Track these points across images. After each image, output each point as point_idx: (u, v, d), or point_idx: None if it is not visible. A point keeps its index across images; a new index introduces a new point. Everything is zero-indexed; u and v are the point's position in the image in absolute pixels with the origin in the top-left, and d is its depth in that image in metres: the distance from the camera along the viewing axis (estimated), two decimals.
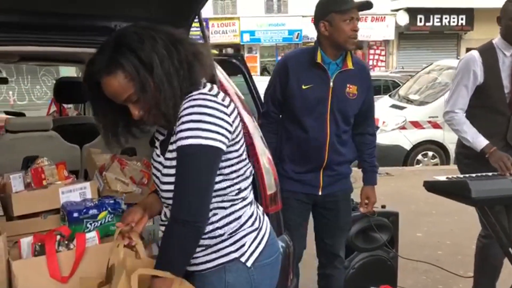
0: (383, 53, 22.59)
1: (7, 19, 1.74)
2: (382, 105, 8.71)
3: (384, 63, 22.49)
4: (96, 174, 2.08)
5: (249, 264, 1.40)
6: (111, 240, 1.55)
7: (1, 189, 1.82)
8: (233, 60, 2.97)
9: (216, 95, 1.35)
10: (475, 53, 2.64)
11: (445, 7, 20.52)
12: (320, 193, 2.42)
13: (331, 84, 2.32)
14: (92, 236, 1.58)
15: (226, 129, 1.30)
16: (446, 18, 21.54)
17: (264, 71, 22.42)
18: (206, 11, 21.26)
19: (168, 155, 1.36)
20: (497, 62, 2.59)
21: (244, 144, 1.46)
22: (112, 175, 2.07)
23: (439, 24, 21.61)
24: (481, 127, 2.62)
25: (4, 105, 15.28)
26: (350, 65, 2.35)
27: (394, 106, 8.24)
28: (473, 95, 2.65)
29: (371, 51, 22.69)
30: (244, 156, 1.43)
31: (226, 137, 1.31)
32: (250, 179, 1.47)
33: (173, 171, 1.34)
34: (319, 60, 2.31)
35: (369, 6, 2.28)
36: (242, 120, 1.85)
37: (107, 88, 1.30)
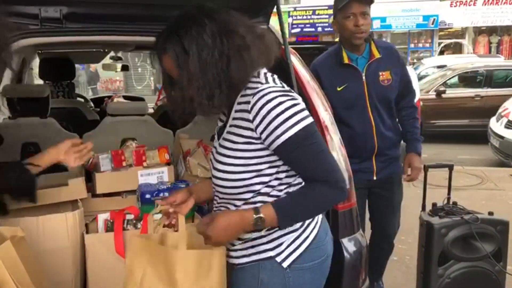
0: None
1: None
2: None
3: None
4: (180, 158, 2.18)
5: (285, 265, 1.35)
6: None
7: (92, 167, 2.01)
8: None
9: (282, 84, 1.37)
10: None
11: None
12: (375, 178, 2.57)
13: (364, 78, 2.43)
14: (159, 217, 1.65)
15: (304, 107, 1.34)
16: None
17: None
18: None
19: (222, 142, 1.37)
20: None
21: None
22: (195, 160, 2.15)
23: None
24: None
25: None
26: (376, 54, 2.44)
27: None
28: None
29: None
30: None
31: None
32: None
33: (224, 159, 1.36)
34: (346, 60, 2.43)
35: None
36: (315, 111, 1.78)
37: (162, 65, 1.37)
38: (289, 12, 21.39)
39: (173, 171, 1.98)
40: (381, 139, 2.51)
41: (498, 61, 12.10)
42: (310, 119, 1.31)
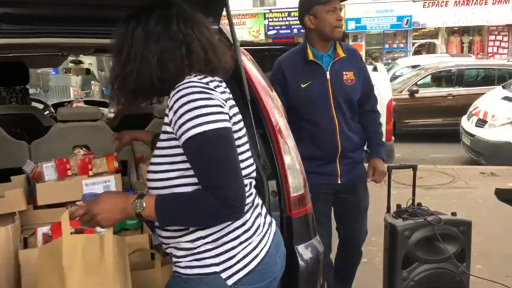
0: (505, 39, 20.34)
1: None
2: (492, 97, 7.86)
3: (507, 50, 20.25)
4: (132, 165, 2.09)
5: (229, 282, 1.27)
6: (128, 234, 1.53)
7: (36, 177, 1.90)
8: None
9: (207, 83, 1.28)
10: None
11: None
12: (339, 181, 2.52)
13: (328, 76, 2.42)
14: (101, 230, 1.56)
15: (223, 111, 1.24)
16: None
17: (370, 58, 21.56)
18: None
19: (161, 136, 1.31)
20: None
21: (245, 141, 1.35)
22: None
23: None
24: None
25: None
26: (341, 53, 2.44)
27: (506, 98, 7.36)
28: None
29: (491, 37, 20.57)
30: (243, 152, 1.33)
31: (227, 115, 1.26)
32: (249, 181, 1.34)
33: (153, 159, 1.31)
34: (311, 57, 2.42)
35: None
36: (268, 115, 1.72)
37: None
38: (264, 14, 21.43)
39: (121, 179, 1.89)
40: (344, 139, 2.47)
41: (469, 61, 12.29)
42: (221, 124, 1.21)
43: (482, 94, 8.39)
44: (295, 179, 1.71)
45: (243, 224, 1.31)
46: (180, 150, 1.24)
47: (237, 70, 1.72)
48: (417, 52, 19.80)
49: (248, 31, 21.67)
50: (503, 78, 9.58)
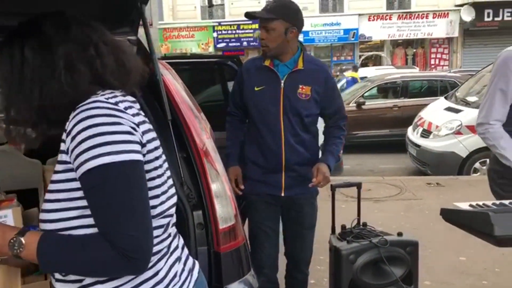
0: (446, 51, 21.26)
1: None
2: (435, 108, 8.04)
3: (448, 62, 21.15)
4: (43, 195, 1.82)
5: None
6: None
7: None
8: (229, 63, 2.66)
9: (116, 103, 1.05)
10: None
11: None
12: (282, 194, 2.44)
13: (282, 85, 2.38)
14: None
15: (132, 139, 1.02)
16: None
17: None
18: None
19: (57, 166, 1.07)
20: None
21: (163, 172, 1.14)
22: None
23: (510, 18, 19.96)
24: None
25: None
26: (300, 65, 2.38)
27: (449, 109, 7.52)
28: None
29: (433, 49, 21.44)
30: (158, 186, 1.11)
31: (138, 143, 1.04)
32: (166, 220, 1.12)
33: (47, 195, 1.07)
34: (265, 63, 2.41)
35: (254, 16, 2.33)
36: (190, 135, 1.52)
37: None
38: (213, 26, 21.31)
39: (24, 213, 1.63)
40: (290, 152, 2.40)
41: (413, 72, 12.64)
42: (129, 156, 0.99)
43: (427, 104, 8.58)
44: (225, 208, 1.52)
45: (155, 275, 1.09)
46: (79, 184, 1.01)
47: (157, 86, 1.51)
48: (364, 64, 20.29)
49: (197, 43, 21.47)
50: (445, 89, 9.88)
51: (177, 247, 1.18)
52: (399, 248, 2.28)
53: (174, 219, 1.17)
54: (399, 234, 2.36)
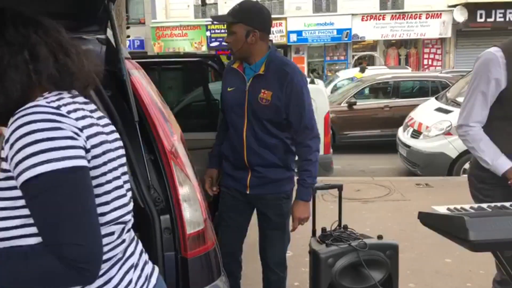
0: (439, 51, 21.31)
1: None
2: (426, 109, 8.03)
3: (440, 62, 21.20)
4: None
5: None
6: None
7: None
8: (209, 62, 2.62)
9: (58, 107, 1.00)
10: (496, 51, 2.08)
11: (509, 0, 19.01)
12: (248, 192, 2.46)
13: (247, 88, 2.38)
14: None
15: (75, 145, 0.97)
16: (510, 13, 19.95)
17: (313, 72, 21.88)
18: None
19: None
20: None
21: (117, 176, 1.09)
22: None
23: (502, 19, 20.03)
24: (504, 144, 2.07)
25: None
26: (261, 70, 2.36)
27: (439, 109, 7.52)
28: (495, 103, 2.09)
29: (426, 50, 21.49)
30: (109, 192, 1.06)
31: (82, 148, 0.99)
32: (119, 227, 1.08)
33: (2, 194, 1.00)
34: (234, 65, 2.45)
35: (220, 19, 2.49)
36: (159, 138, 1.48)
37: None
38: (206, 25, 21.24)
39: None
40: (251, 154, 2.41)
41: (404, 72, 12.65)
42: (71, 162, 0.95)
43: (418, 105, 8.58)
44: (194, 212, 1.48)
45: (107, 283, 1.04)
46: (20, 193, 0.97)
47: (124, 86, 1.47)
48: (358, 64, 20.33)
49: (190, 42, 21.40)
50: (436, 90, 9.89)
51: (133, 253, 1.14)
52: (378, 251, 2.25)
53: (129, 225, 1.13)
54: (379, 237, 2.33)
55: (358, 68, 15.88)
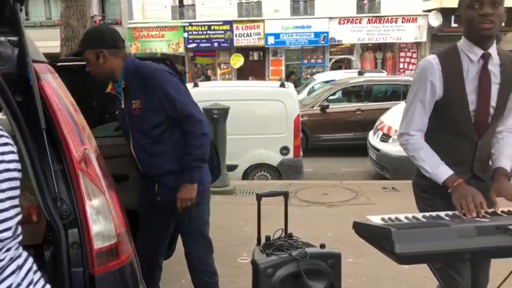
0: (414, 55, 21.57)
1: None
2: (396, 112, 8.05)
3: (416, 66, 21.45)
4: None
5: None
6: None
7: None
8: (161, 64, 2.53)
9: None
10: (432, 59, 2.05)
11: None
12: (158, 199, 2.49)
13: (122, 105, 2.42)
14: None
15: None
16: None
17: (291, 75, 21.92)
18: (231, 14, 20.99)
19: None
20: (461, 71, 1.98)
21: None
22: None
23: None
24: (443, 153, 2.04)
25: None
26: (123, 83, 2.39)
27: None
28: (433, 113, 2.06)
29: (402, 54, 21.73)
30: None
31: None
32: None
33: None
34: (108, 89, 2.46)
35: (74, 52, 2.48)
36: (66, 147, 1.39)
37: None
38: (184, 27, 21.10)
39: None
40: (145, 165, 2.47)
41: (377, 76, 12.73)
42: None
43: (389, 108, 8.62)
44: (104, 225, 1.40)
45: None
46: None
47: (31, 91, 1.38)
48: (338, 68, 20.43)
49: (167, 43, 21.21)
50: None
51: (13, 272, 1.06)
52: (320, 260, 2.19)
53: (10, 243, 1.05)
54: (322, 246, 2.27)
55: (335, 72, 16.00)
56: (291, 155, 7.05)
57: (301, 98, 12.03)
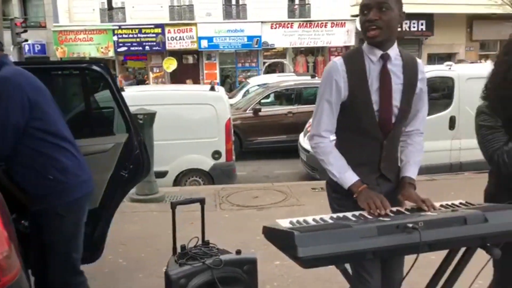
0: None
1: None
2: None
3: None
4: None
5: None
6: None
7: None
8: (94, 67, 2.38)
9: None
10: (338, 60, 2.08)
11: (405, 12, 20.32)
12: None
13: None
14: None
15: None
16: (406, 24, 21.40)
17: (226, 78, 21.90)
18: (162, 17, 20.64)
19: None
20: (364, 70, 2.02)
21: None
22: None
23: (399, 29, 21.32)
24: (351, 153, 2.07)
25: None
26: None
27: None
28: (340, 113, 2.09)
29: (332, 57, 22.31)
30: None
31: None
32: None
33: None
34: None
35: None
36: None
37: None
38: (113, 30, 20.47)
39: None
40: (19, 187, 2.34)
41: (307, 79, 13.00)
42: None
43: None
44: None
45: None
46: None
47: None
48: (272, 71, 20.65)
49: (96, 47, 20.47)
50: None
51: None
52: (235, 267, 2.16)
53: None
54: (238, 252, 2.24)
55: (268, 75, 16.16)
56: (223, 159, 7.00)
57: (236, 101, 12.05)
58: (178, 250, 2.35)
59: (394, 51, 2.04)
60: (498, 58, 2.19)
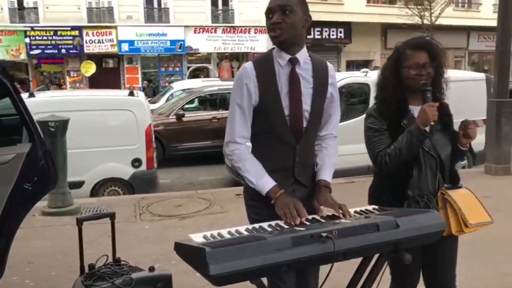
0: None
1: None
2: None
3: None
4: None
5: None
6: None
7: None
8: None
9: None
10: (248, 64, 2.04)
11: (324, 20, 21.10)
12: None
13: None
14: None
15: None
16: (326, 31, 22.23)
17: (149, 83, 21.36)
18: (80, 19, 19.72)
19: None
20: (274, 75, 1.99)
21: None
22: None
23: (319, 36, 22.20)
24: (266, 159, 2.02)
25: None
26: None
27: None
28: (254, 118, 2.04)
29: None
30: None
31: None
32: None
33: None
34: None
35: None
36: None
37: None
38: (25, 31, 19.20)
39: None
40: None
41: (231, 84, 13.04)
42: None
43: None
44: None
45: None
46: None
47: None
48: (196, 76, 20.44)
49: (6, 49, 19.08)
50: None
51: None
52: (148, 286, 2.02)
53: None
54: (151, 269, 2.10)
55: (193, 80, 15.95)
56: (143, 167, 6.75)
57: (158, 106, 11.73)
58: (87, 269, 2.17)
59: (303, 55, 2.03)
60: (384, 64, 2.35)
